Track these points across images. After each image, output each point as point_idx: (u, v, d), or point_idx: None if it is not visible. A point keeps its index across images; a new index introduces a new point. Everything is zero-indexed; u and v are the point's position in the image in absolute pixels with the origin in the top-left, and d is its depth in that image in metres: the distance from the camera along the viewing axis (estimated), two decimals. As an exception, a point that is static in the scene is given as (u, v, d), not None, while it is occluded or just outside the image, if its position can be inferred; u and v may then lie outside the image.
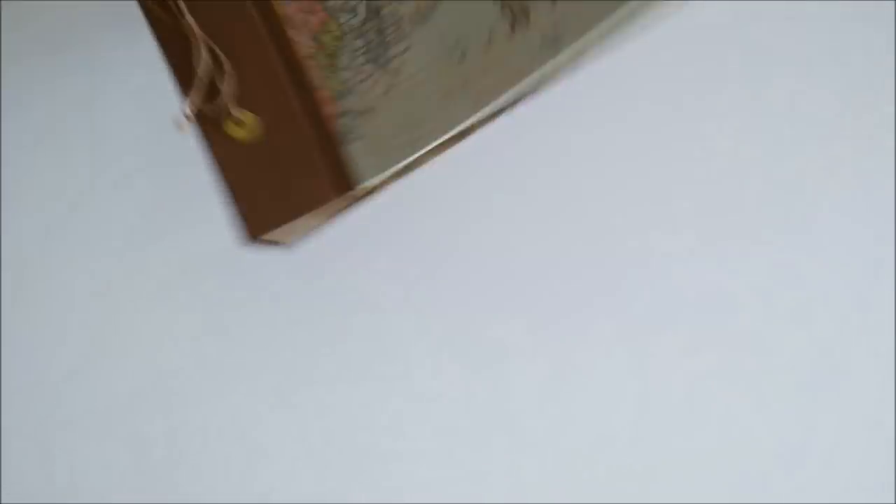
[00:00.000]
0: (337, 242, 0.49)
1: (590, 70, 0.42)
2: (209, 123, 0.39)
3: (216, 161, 0.39)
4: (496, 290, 0.50)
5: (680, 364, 0.49)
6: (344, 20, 0.38)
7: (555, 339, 0.49)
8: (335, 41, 0.38)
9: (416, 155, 0.41)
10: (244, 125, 0.38)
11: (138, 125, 0.52)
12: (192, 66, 0.38)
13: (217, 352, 0.50)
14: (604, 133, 0.52)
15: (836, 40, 0.52)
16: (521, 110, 0.42)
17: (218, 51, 0.37)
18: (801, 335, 0.49)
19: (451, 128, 0.41)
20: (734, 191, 0.51)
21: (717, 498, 0.48)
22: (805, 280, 0.50)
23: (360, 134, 0.40)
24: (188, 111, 0.38)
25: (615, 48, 0.42)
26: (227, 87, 0.38)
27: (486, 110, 0.41)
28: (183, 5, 0.37)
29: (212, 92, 0.38)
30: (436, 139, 0.41)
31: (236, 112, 0.38)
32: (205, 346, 0.50)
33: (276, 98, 0.39)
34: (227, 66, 0.38)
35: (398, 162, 0.41)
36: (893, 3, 0.53)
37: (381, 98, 0.39)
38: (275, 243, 0.42)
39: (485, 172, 0.51)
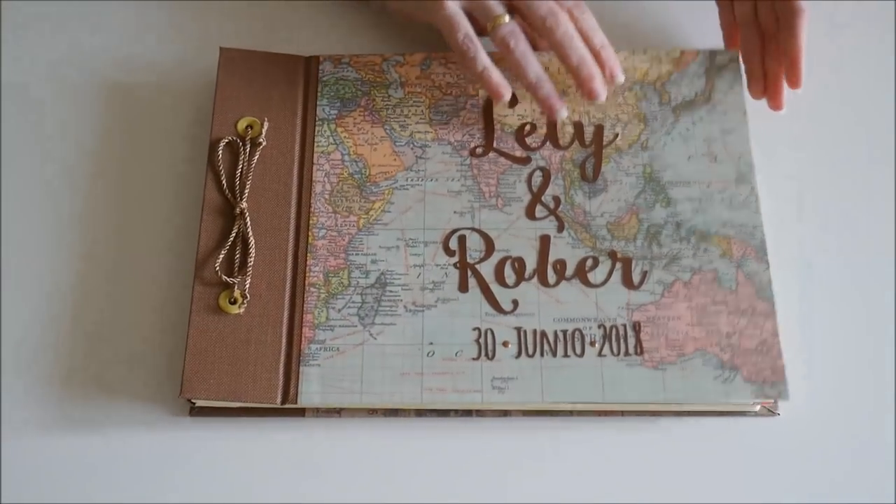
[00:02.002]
0: None
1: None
2: (208, 289, 0.46)
3: (191, 324, 0.45)
4: None
5: None
6: (355, 276, 0.46)
7: None
8: (340, 287, 0.46)
9: (355, 406, 0.45)
10: (236, 305, 0.45)
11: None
12: (222, 241, 0.47)
13: None
14: None
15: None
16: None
17: (252, 241, 0.46)
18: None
19: (393, 403, 0.44)
20: None
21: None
22: None
23: (319, 362, 0.45)
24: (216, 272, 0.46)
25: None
26: (244, 272, 0.46)
27: (428, 405, 0.44)
28: (244, 200, 0.47)
29: (229, 267, 0.46)
30: (375, 405, 0.44)
31: (239, 293, 0.46)
32: None
33: (272, 295, 0.46)
34: (253, 252, 0.46)
35: (337, 403, 0.44)
36: (893, 2, 0.54)
37: (351, 347, 0.45)
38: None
39: None
